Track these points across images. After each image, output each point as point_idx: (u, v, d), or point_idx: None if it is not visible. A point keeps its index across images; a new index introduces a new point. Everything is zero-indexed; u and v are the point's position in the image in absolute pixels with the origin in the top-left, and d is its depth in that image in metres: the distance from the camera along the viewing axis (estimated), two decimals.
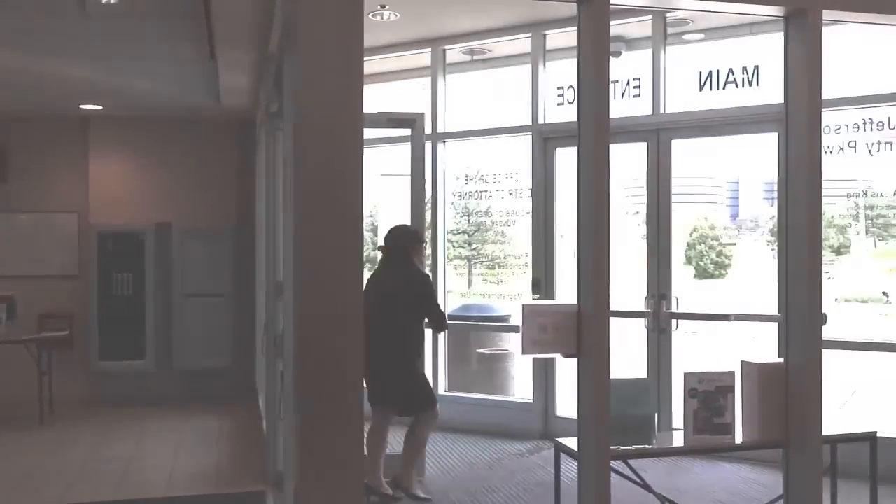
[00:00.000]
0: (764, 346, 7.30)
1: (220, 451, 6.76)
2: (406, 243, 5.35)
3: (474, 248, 8.06)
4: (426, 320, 5.43)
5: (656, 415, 3.61)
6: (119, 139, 8.93)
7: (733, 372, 3.63)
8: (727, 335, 8.48)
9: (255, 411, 7.56)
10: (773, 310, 6.25)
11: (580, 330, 3.32)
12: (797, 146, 3.55)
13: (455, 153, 7.71)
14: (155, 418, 7.90)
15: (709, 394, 3.59)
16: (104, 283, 8.81)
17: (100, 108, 8.51)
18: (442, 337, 7.44)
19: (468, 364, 7.93)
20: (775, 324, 6.60)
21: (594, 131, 3.29)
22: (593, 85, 3.29)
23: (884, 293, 9.82)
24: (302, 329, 2.98)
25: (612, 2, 3.29)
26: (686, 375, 3.57)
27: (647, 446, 3.61)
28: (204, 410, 8.16)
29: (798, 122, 3.54)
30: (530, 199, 7.25)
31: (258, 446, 6.60)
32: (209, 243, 8.93)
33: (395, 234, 5.47)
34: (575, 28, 7.03)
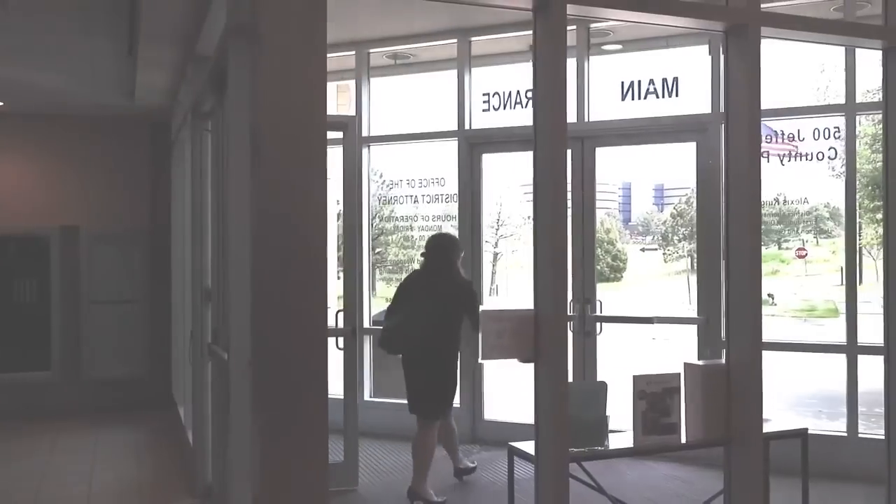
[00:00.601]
0: (664, 346, 7.58)
1: (139, 465, 6.48)
2: (451, 251, 5.42)
3: (378, 252, 8.06)
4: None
5: (609, 417, 3.67)
6: (22, 138, 8.48)
7: (679, 374, 3.74)
8: (629, 336, 8.80)
9: (175, 422, 7.29)
10: (667, 311, 6.47)
11: (537, 334, 3.35)
12: (737, 154, 3.68)
13: (375, 157, 7.65)
14: (65, 432, 7.51)
15: (656, 395, 3.69)
16: (4, 291, 8.39)
17: (0, 104, 8.05)
18: (367, 342, 7.41)
19: (392, 369, 7.84)
20: (672, 325, 6.87)
21: (551, 136, 3.32)
22: (550, 90, 3.33)
23: (769, 295, 10.33)
24: (261, 335, 2.91)
25: (568, 13, 3.34)
26: (635, 378, 3.66)
27: (599, 448, 3.67)
28: (118, 422, 7.80)
29: (738, 131, 3.67)
30: (455, 203, 7.28)
31: (181, 458, 6.36)
32: (120, 247, 8.58)
33: (440, 241, 5.57)
34: (500, 35, 7.09)
